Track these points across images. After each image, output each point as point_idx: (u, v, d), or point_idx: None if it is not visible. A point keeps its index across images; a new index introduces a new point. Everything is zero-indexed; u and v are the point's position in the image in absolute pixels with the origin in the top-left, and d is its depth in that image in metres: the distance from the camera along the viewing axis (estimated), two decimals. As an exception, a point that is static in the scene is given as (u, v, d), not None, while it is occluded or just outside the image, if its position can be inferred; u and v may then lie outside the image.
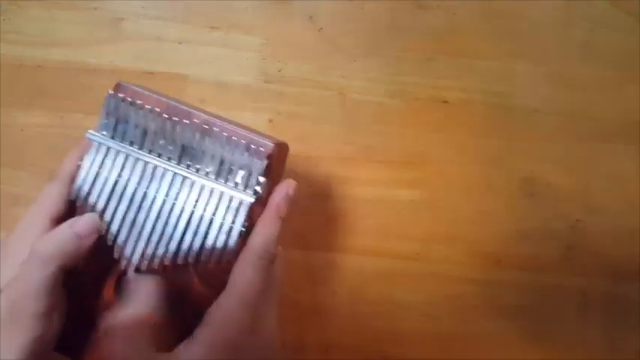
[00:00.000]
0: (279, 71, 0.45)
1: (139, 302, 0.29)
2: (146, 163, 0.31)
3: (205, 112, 0.31)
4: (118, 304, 0.30)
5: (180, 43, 0.45)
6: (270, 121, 0.44)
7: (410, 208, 0.43)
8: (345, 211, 0.43)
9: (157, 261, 0.30)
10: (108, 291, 0.30)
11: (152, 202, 0.30)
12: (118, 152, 0.31)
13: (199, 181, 0.31)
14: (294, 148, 0.44)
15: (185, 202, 0.30)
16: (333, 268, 0.42)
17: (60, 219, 0.30)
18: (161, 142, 0.31)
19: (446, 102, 0.45)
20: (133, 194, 0.31)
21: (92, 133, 0.31)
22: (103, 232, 0.30)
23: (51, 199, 0.30)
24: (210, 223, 0.30)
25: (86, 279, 0.30)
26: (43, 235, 0.29)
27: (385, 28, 0.46)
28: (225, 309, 0.28)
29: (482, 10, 0.47)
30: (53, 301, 0.27)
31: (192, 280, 0.31)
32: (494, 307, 0.42)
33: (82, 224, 0.29)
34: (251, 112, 0.44)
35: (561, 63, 0.46)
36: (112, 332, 0.28)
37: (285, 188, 0.32)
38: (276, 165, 0.32)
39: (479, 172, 0.44)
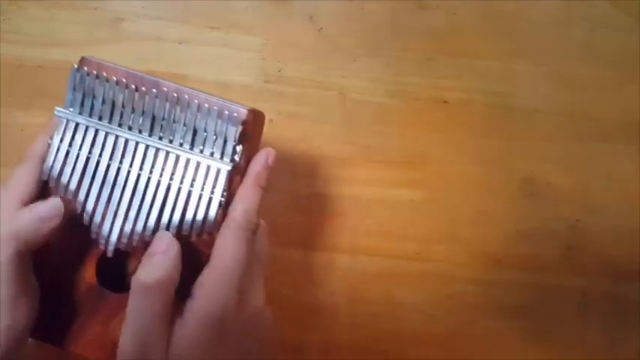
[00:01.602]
0: (279, 71, 0.45)
1: (157, 264, 0.27)
2: (117, 136, 0.30)
3: (175, 83, 0.31)
4: (98, 287, 0.29)
5: (180, 43, 0.45)
6: (270, 121, 0.44)
7: (410, 208, 0.43)
8: (345, 211, 0.43)
9: (136, 238, 0.29)
10: (89, 273, 0.30)
11: (126, 177, 0.29)
12: (87, 128, 0.30)
13: (174, 152, 0.30)
14: (294, 148, 0.44)
15: (161, 175, 0.30)
16: (333, 268, 0.42)
17: (31, 201, 0.29)
18: (131, 114, 0.30)
19: (446, 102, 0.45)
20: (106, 170, 0.30)
21: (60, 110, 0.30)
22: (77, 213, 0.29)
23: (21, 181, 0.29)
24: (189, 195, 0.29)
25: (64, 263, 0.30)
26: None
27: (385, 28, 0.46)
28: (210, 284, 0.27)
29: (482, 10, 0.47)
30: (19, 285, 0.26)
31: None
32: (494, 307, 0.42)
33: (41, 207, 0.28)
34: (251, 112, 0.44)
35: (561, 63, 0.46)
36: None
37: (265, 156, 0.31)
38: (252, 132, 0.31)
39: (479, 172, 0.44)
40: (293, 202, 0.43)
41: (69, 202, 0.30)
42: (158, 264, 0.27)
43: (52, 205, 0.28)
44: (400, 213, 0.43)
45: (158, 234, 0.29)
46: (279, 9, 0.46)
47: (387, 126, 0.44)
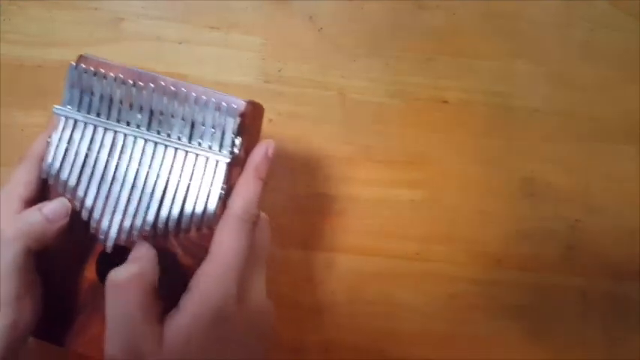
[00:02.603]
0: (279, 71, 0.45)
1: (136, 265, 0.27)
2: (115, 132, 0.30)
3: (172, 78, 0.30)
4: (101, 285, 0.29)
5: (180, 43, 0.45)
6: (270, 121, 0.44)
7: (410, 208, 0.43)
8: (345, 211, 0.43)
9: (135, 233, 0.29)
10: (89, 271, 0.30)
11: (125, 172, 0.29)
12: (85, 124, 0.30)
13: (172, 145, 0.29)
14: (294, 148, 0.44)
15: (160, 169, 0.29)
16: (333, 268, 0.42)
17: (32, 200, 0.29)
18: (128, 109, 0.30)
19: (446, 102, 0.45)
20: (105, 166, 0.30)
21: (58, 108, 0.30)
22: (77, 210, 0.29)
23: (20, 181, 0.30)
24: (188, 188, 0.29)
25: (64, 261, 0.30)
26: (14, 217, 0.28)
27: (385, 28, 0.46)
28: (209, 276, 0.27)
29: (482, 10, 0.47)
30: (24, 284, 0.27)
31: (175, 252, 0.30)
32: (494, 307, 0.42)
33: (50, 207, 0.28)
34: (251, 112, 0.44)
35: (561, 63, 0.46)
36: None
37: (264, 148, 0.30)
38: (250, 125, 0.31)
39: (479, 172, 0.44)
40: (293, 202, 0.43)
41: (70, 201, 0.30)
42: (129, 265, 0.27)
43: (60, 204, 0.29)
44: (400, 213, 0.43)
45: (136, 244, 0.29)
46: (279, 9, 0.46)
47: (387, 126, 0.44)
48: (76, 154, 0.30)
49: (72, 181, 0.30)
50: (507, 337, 0.42)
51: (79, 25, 0.45)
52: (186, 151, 0.29)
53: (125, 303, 0.26)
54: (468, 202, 0.44)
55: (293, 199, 0.43)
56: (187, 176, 0.29)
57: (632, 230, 0.44)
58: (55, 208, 0.29)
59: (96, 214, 0.29)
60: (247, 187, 0.29)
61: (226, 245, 0.28)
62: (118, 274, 0.26)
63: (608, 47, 0.47)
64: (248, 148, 0.31)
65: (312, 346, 0.41)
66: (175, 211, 0.29)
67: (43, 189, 0.30)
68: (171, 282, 0.29)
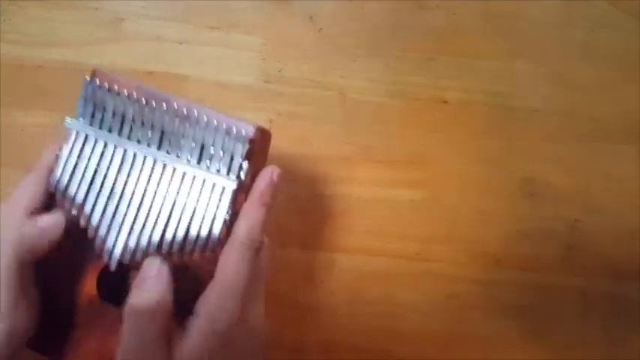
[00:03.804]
0: (279, 71, 0.45)
1: (149, 289, 0.27)
2: (125, 150, 0.30)
3: (185, 99, 0.31)
4: (99, 301, 0.29)
5: (180, 43, 0.45)
6: (270, 121, 0.44)
7: (410, 208, 0.43)
8: (345, 211, 0.43)
9: (139, 253, 0.29)
10: (89, 287, 0.30)
11: (133, 191, 0.29)
12: (96, 140, 0.30)
13: (181, 167, 0.30)
14: (294, 148, 0.44)
15: (167, 190, 0.30)
16: (333, 268, 0.42)
17: (36, 211, 0.29)
18: (140, 128, 0.30)
19: (446, 102, 0.45)
20: (114, 183, 0.30)
21: (70, 121, 0.30)
22: (82, 225, 0.29)
23: (26, 192, 0.30)
24: (194, 211, 0.29)
25: (64, 275, 0.30)
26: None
27: (385, 28, 0.46)
28: (214, 300, 0.27)
29: (482, 10, 0.47)
30: (19, 291, 0.27)
31: (177, 273, 0.29)
32: (494, 307, 0.42)
33: (45, 219, 0.28)
34: (251, 112, 0.44)
35: (561, 63, 0.46)
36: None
37: (270, 174, 0.31)
38: (258, 150, 0.31)
39: (479, 172, 0.44)
40: (293, 202, 0.43)
41: (73, 215, 0.30)
42: (150, 288, 0.27)
43: (55, 218, 0.29)
44: (400, 213, 0.43)
45: (147, 259, 0.29)
46: (279, 9, 0.46)
47: (387, 126, 0.44)
48: (86, 169, 0.30)
49: (79, 197, 0.30)
50: (507, 337, 0.42)
51: (79, 25, 0.45)
52: (194, 175, 0.30)
53: (145, 330, 0.26)
54: (468, 202, 0.44)
55: (293, 199, 0.43)
56: (194, 199, 0.30)
57: (632, 230, 0.44)
58: (49, 221, 0.29)
59: (101, 232, 0.29)
60: (252, 213, 0.30)
61: (230, 271, 0.28)
62: (139, 302, 0.26)
63: (608, 47, 0.47)
64: (254, 172, 0.31)
65: (312, 346, 0.41)
66: (180, 234, 0.29)
67: (49, 202, 0.30)
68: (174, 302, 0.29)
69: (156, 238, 0.29)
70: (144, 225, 0.29)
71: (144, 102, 0.30)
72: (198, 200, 0.30)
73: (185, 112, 0.30)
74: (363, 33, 0.46)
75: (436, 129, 0.45)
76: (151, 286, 0.27)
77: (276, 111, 0.44)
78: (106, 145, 0.30)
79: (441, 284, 0.42)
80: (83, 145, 0.30)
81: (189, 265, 0.29)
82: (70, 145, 0.30)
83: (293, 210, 0.43)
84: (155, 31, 0.45)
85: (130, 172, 0.30)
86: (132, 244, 0.29)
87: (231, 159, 0.30)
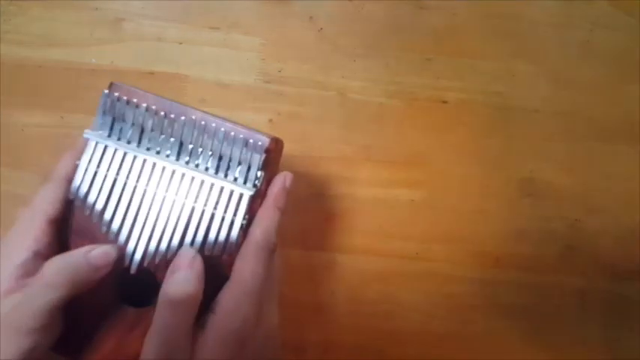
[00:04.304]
0: (279, 71, 0.45)
1: (184, 279, 0.27)
2: (144, 160, 0.31)
3: (201, 111, 0.32)
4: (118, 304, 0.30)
5: (180, 43, 0.45)
6: (270, 121, 0.44)
7: (410, 208, 0.43)
8: (345, 211, 0.43)
9: (159, 258, 0.30)
10: (109, 289, 0.30)
11: (152, 200, 0.30)
12: (115, 150, 0.31)
13: (199, 176, 0.31)
14: (294, 148, 0.44)
15: (185, 198, 0.30)
16: (333, 268, 0.42)
17: (56, 220, 0.30)
18: (158, 139, 0.31)
19: (445, 102, 0.45)
20: (133, 192, 0.30)
21: (89, 132, 0.31)
22: (102, 232, 0.30)
23: (47, 200, 0.30)
24: (212, 217, 0.30)
25: None
26: (40, 236, 0.28)
27: (385, 28, 0.46)
28: (230, 300, 0.28)
29: (482, 10, 0.47)
30: (54, 318, 0.27)
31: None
32: (494, 306, 0.42)
33: (97, 255, 0.28)
34: (251, 112, 0.44)
35: (561, 63, 0.46)
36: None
37: (282, 180, 0.32)
38: (273, 159, 0.32)
39: (478, 172, 0.44)
40: (293, 202, 0.43)
41: (97, 224, 0.30)
42: (185, 279, 0.27)
43: (106, 252, 0.29)
44: (400, 213, 0.43)
45: (182, 249, 0.29)
46: (279, 9, 0.46)
47: (386, 126, 0.44)
48: (105, 178, 0.31)
49: (99, 205, 0.30)
50: (507, 337, 0.42)
51: (79, 25, 0.45)
52: (212, 183, 0.31)
53: (178, 318, 0.26)
54: (468, 202, 0.44)
55: (293, 199, 0.43)
56: (212, 206, 0.30)
57: (632, 230, 0.44)
58: (101, 254, 0.29)
59: (122, 238, 0.30)
60: (267, 217, 0.31)
61: (247, 271, 0.29)
62: (175, 290, 0.27)
63: (608, 47, 0.47)
64: (269, 179, 0.32)
65: (312, 346, 0.41)
66: (199, 239, 0.30)
67: (67, 210, 0.31)
68: None
69: (175, 242, 0.30)
70: (163, 230, 0.30)
71: (162, 114, 0.31)
72: (216, 207, 0.31)
73: (203, 124, 0.31)
74: (363, 33, 0.46)
75: (436, 129, 0.45)
76: (186, 275, 0.27)
77: (276, 111, 0.44)
78: (124, 156, 0.31)
79: (440, 284, 0.42)
80: (102, 155, 0.31)
81: (212, 263, 0.30)
82: (89, 155, 0.31)
83: (293, 210, 0.43)
84: (155, 31, 0.45)
85: (149, 180, 0.31)
86: (152, 249, 0.30)
87: (249, 169, 0.31)
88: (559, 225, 0.43)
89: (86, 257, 0.28)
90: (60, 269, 0.27)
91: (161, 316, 0.27)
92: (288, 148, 0.43)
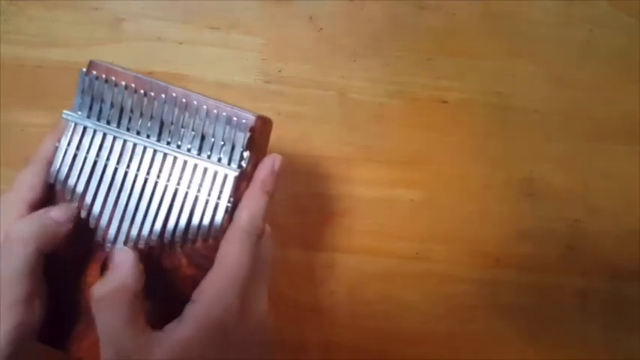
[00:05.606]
0: (279, 71, 0.45)
1: (119, 273, 0.27)
2: (125, 141, 0.30)
3: (183, 89, 0.30)
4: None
5: (180, 43, 0.45)
6: (270, 121, 0.44)
7: (410, 208, 0.43)
8: (345, 211, 0.43)
9: (142, 242, 0.29)
10: (93, 278, 0.30)
11: (134, 182, 0.30)
12: (95, 131, 0.30)
13: (181, 157, 0.30)
14: (294, 148, 0.44)
15: (168, 180, 0.30)
16: (333, 267, 0.42)
17: (36, 204, 0.29)
18: (139, 119, 0.30)
19: (445, 102, 0.45)
20: (114, 174, 0.30)
21: (68, 113, 0.30)
22: (83, 216, 0.30)
23: (26, 183, 0.29)
24: (196, 200, 0.29)
25: (69, 267, 0.30)
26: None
27: (385, 28, 0.46)
28: (213, 287, 0.27)
29: (482, 11, 0.47)
30: (34, 286, 0.27)
31: (180, 262, 0.30)
32: (494, 306, 0.42)
33: (58, 210, 0.28)
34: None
35: (561, 63, 0.46)
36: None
37: (271, 162, 0.31)
38: (259, 139, 0.31)
39: (478, 172, 0.44)
40: (293, 202, 0.43)
41: (78, 207, 0.30)
42: (110, 277, 0.27)
43: (66, 208, 0.29)
44: (400, 213, 0.43)
45: (116, 249, 0.29)
46: (279, 9, 0.46)
47: (386, 126, 0.44)
48: (85, 160, 0.30)
49: (79, 188, 0.30)
50: (507, 337, 0.42)
51: (79, 25, 0.45)
52: (196, 163, 0.30)
53: (110, 317, 0.26)
54: (468, 202, 0.44)
55: (293, 199, 0.43)
56: (195, 188, 0.30)
57: (632, 230, 0.44)
58: (61, 211, 0.29)
59: (103, 222, 0.30)
60: (253, 200, 0.30)
61: (231, 258, 0.28)
62: (99, 290, 0.26)
63: (608, 47, 0.47)
64: (256, 161, 0.31)
65: (312, 346, 0.41)
66: (182, 222, 0.29)
67: (48, 193, 0.30)
68: (175, 291, 0.29)
69: (158, 227, 0.29)
70: (145, 214, 0.29)
71: (142, 92, 0.30)
72: (199, 189, 0.30)
73: (184, 102, 0.29)
74: (363, 33, 0.46)
75: (436, 129, 0.45)
76: (112, 274, 0.27)
77: (276, 111, 0.44)
78: (104, 137, 0.30)
79: (440, 284, 0.42)
80: (82, 136, 0.30)
81: (192, 255, 0.30)
82: (68, 136, 0.30)
83: (293, 210, 0.43)
84: (155, 31, 0.45)
85: (129, 162, 0.30)
86: (134, 233, 0.29)
87: (233, 148, 0.30)
88: (559, 225, 0.43)
89: (47, 213, 0.28)
90: (25, 225, 0.27)
91: (96, 317, 0.26)
92: (288, 148, 0.43)
